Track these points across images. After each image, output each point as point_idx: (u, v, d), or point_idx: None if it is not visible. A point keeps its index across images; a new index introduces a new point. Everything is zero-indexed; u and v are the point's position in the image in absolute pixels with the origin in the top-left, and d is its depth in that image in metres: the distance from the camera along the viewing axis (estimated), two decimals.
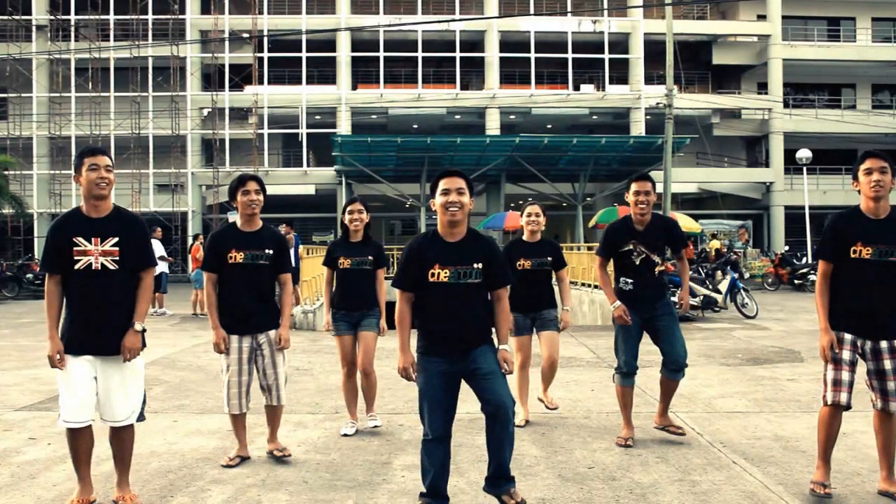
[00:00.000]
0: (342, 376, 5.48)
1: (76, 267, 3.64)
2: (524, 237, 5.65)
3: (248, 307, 4.46)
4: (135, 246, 3.74)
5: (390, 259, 19.51)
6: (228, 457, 4.59)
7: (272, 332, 4.53)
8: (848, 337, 3.84)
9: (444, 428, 3.53)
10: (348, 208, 5.41)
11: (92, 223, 3.69)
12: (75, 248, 3.63)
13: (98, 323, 3.66)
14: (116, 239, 3.68)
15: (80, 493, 3.76)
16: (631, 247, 4.91)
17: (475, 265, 3.49)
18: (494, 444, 3.53)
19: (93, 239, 3.64)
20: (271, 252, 4.50)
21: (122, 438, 3.82)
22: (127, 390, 3.73)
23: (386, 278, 5.27)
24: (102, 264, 3.65)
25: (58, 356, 3.62)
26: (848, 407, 3.84)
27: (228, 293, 4.48)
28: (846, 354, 3.83)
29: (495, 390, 3.45)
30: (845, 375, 3.82)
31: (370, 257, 5.35)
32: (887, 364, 3.78)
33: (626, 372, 5.03)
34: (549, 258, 5.54)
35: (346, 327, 5.37)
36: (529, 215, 5.60)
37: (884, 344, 3.79)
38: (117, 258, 3.67)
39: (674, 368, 4.96)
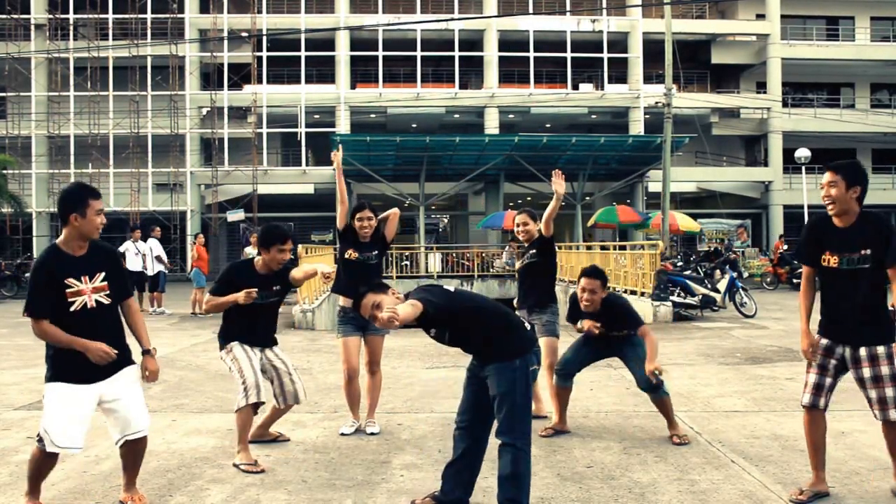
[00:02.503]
0: (343, 380, 5.38)
1: (72, 308, 3.54)
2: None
3: (257, 331, 4.75)
4: (118, 277, 3.73)
5: (389, 258, 19.72)
6: (249, 464, 4.41)
7: (276, 348, 4.84)
8: (825, 342, 3.85)
9: (461, 419, 3.70)
10: (357, 214, 5.40)
11: (78, 262, 3.59)
12: (68, 290, 3.53)
13: None
14: (104, 273, 3.64)
15: None
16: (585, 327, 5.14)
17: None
18: (501, 471, 3.49)
19: (82, 277, 3.57)
20: (278, 288, 4.74)
21: (138, 448, 3.78)
22: (140, 399, 3.78)
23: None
24: (97, 300, 3.60)
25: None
26: (824, 409, 3.86)
27: (240, 319, 4.66)
28: (832, 360, 3.84)
29: (500, 412, 3.50)
30: (828, 381, 3.84)
31: (375, 252, 5.39)
32: (866, 372, 3.73)
33: (559, 371, 5.22)
34: (535, 251, 5.61)
35: (353, 328, 5.28)
36: (518, 226, 5.67)
37: (862, 352, 3.75)
38: (108, 292, 3.65)
39: (645, 389, 5.06)
